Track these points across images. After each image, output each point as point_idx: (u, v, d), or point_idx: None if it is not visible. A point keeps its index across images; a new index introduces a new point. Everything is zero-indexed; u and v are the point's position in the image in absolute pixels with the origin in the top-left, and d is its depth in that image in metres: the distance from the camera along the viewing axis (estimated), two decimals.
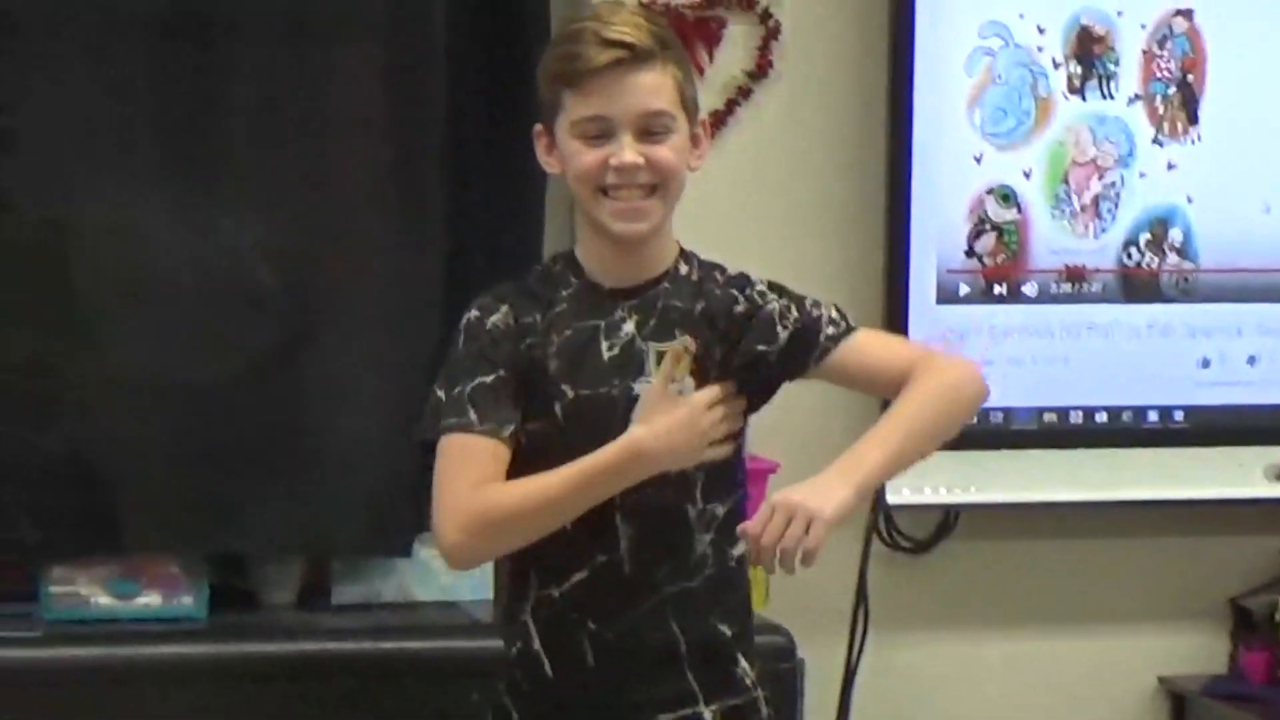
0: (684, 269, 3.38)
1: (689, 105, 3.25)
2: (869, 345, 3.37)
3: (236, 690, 4.25)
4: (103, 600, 4.48)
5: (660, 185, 3.15)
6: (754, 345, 3.29)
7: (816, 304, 3.37)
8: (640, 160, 3.12)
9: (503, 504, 3.18)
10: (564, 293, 3.34)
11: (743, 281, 3.40)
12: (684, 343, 3.16)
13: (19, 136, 4.68)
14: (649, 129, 3.15)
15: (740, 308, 3.34)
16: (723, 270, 3.44)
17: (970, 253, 4.78)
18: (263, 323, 4.75)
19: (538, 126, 3.32)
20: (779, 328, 3.32)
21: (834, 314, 3.34)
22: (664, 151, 3.13)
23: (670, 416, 3.09)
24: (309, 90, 4.81)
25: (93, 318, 4.70)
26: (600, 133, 3.16)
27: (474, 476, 3.18)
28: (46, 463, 4.55)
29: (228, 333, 4.68)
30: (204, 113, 4.76)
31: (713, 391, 3.15)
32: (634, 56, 3.14)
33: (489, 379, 3.24)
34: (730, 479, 3.32)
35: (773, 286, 3.35)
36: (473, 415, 3.22)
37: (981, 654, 5.03)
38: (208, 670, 4.32)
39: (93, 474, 4.60)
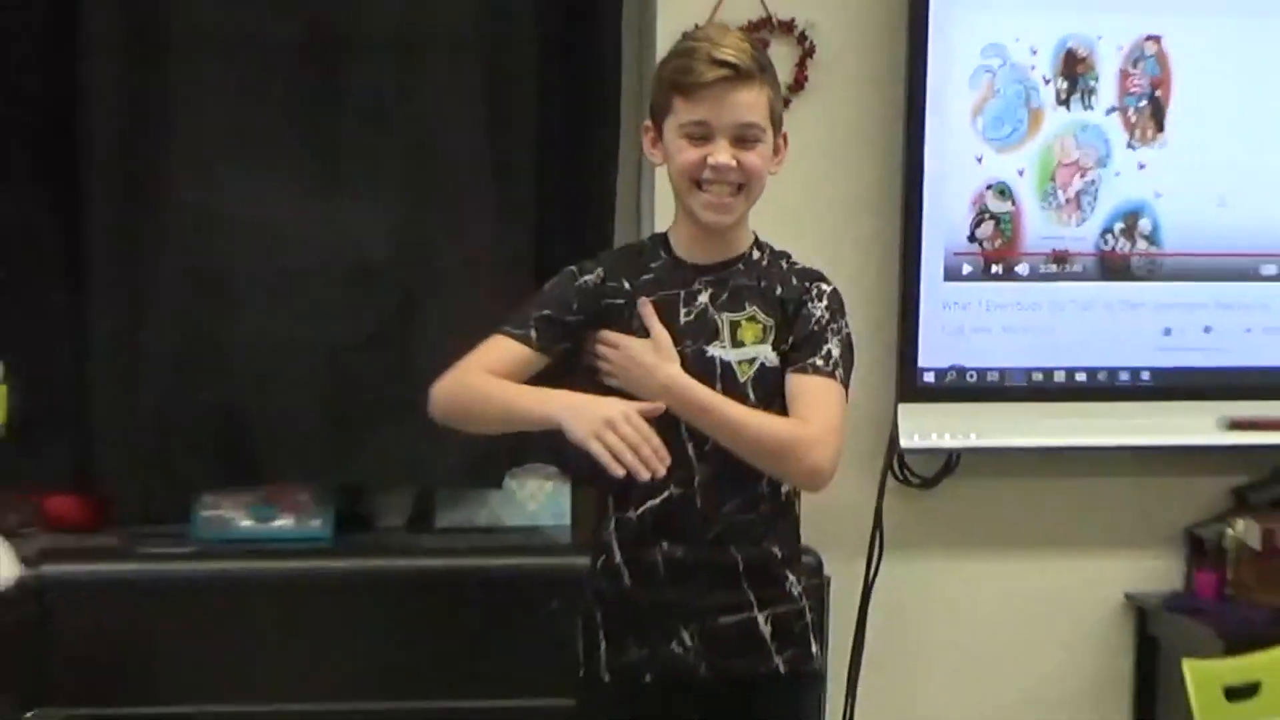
0: (756, 255, 3.72)
1: (776, 120, 3.62)
2: (811, 388, 3.65)
3: (356, 599, 4.78)
4: (244, 523, 4.97)
5: (746, 185, 3.54)
6: (790, 334, 3.64)
7: (835, 335, 3.70)
8: (733, 163, 3.49)
9: (476, 388, 3.61)
10: (653, 265, 3.70)
11: (815, 277, 3.74)
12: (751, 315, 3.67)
13: (183, 140, 5.05)
14: (743, 137, 3.53)
15: (805, 300, 3.68)
16: (788, 257, 3.77)
17: (972, 238, 5.14)
18: (380, 293, 5.19)
19: (646, 123, 3.71)
20: (808, 328, 3.65)
21: (831, 353, 3.66)
22: (753, 158, 3.52)
23: (581, 396, 3.56)
24: (421, 97, 5.20)
25: (240, 290, 5.06)
26: (702, 135, 3.52)
27: (486, 361, 3.61)
28: (199, 409, 4.98)
29: (351, 301, 5.13)
30: (331, 116, 5.13)
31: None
32: (737, 75, 3.51)
33: (552, 313, 3.63)
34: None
35: (832, 299, 3.69)
36: (524, 329, 3.61)
37: (978, 572, 5.39)
38: (332, 582, 4.81)
39: (238, 418, 5.01)
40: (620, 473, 3.34)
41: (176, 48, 5.16)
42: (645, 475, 3.35)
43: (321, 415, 5.16)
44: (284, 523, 5.05)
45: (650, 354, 3.55)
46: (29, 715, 3.97)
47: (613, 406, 3.44)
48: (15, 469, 4.33)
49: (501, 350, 3.64)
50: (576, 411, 3.45)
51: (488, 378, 3.61)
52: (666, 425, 3.46)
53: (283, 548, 4.99)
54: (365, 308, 5.20)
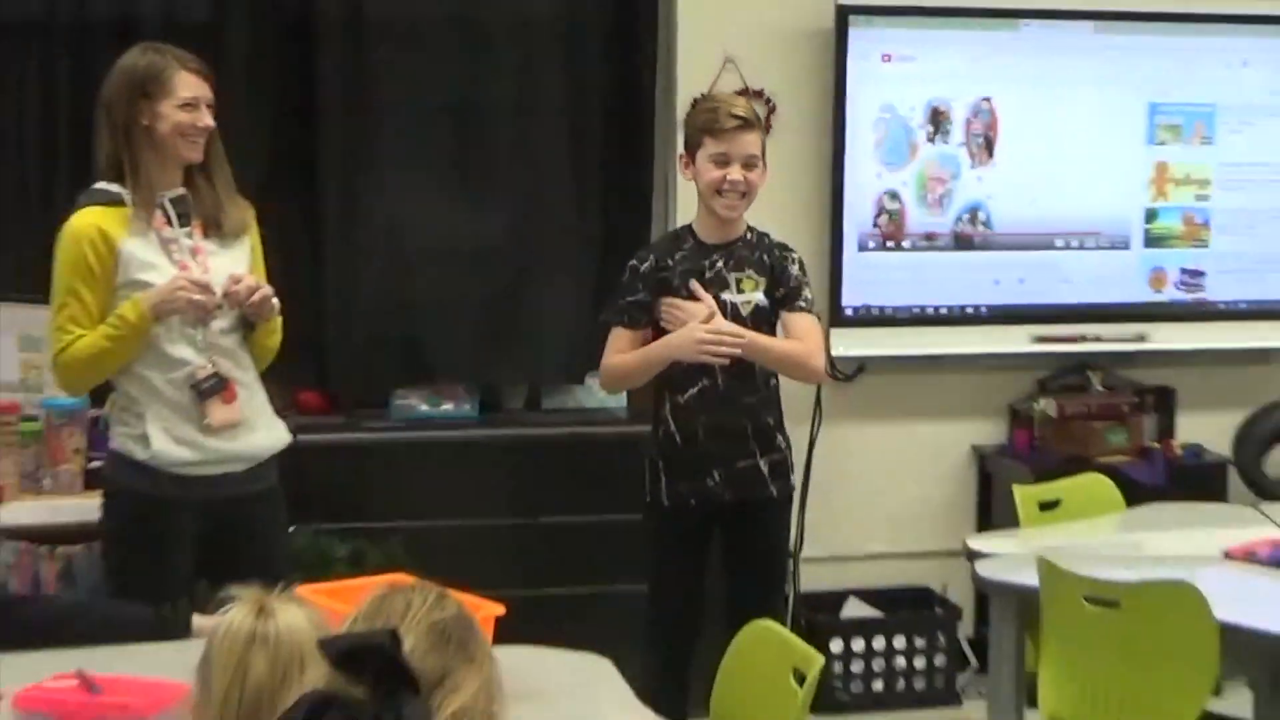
0: (749, 235, 4.74)
1: (763, 153, 4.63)
2: (802, 322, 4.73)
3: (495, 454, 5.87)
4: (422, 407, 5.99)
5: (748, 193, 4.59)
6: (778, 286, 4.70)
7: (807, 285, 4.77)
8: (741, 179, 4.55)
9: (616, 365, 4.74)
10: (685, 246, 4.71)
11: (787, 249, 4.78)
12: (752, 277, 4.63)
13: (378, 156, 5.92)
14: (748, 163, 4.55)
15: (785, 264, 4.72)
16: (768, 236, 4.79)
17: (875, 225, 6.23)
18: (505, 260, 6.07)
19: (682, 153, 4.76)
20: (790, 284, 4.72)
21: (808, 296, 4.77)
22: (754, 176, 4.58)
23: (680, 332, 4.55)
24: (530, 131, 6.04)
25: (418, 257, 5.97)
26: (723, 162, 4.53)
27: (612, 349, 4.74)
28: (394, 337, 5.98)
29: (487, 266, 6.05)
30: (463, 127, 6.00)
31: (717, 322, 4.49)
32: (746, 125, 4.57)
33: (634, 299, 4.68)
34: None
35: (800, 263, 4.78)
36: (621, 317, 4.71)
37: (879, 433, 6.45)
38: (479, 444, 5.92)
39: (418, 342, 6.00)
40: (724, 363, 4.46)
41: (379, 109, 5.89)
42: (724, 360, 4.46)
43: (471, 339, 6.06)
44: (447, 407, 6.02)
45: (695, 313, 4.50)
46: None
47: (691, 332, 4.47)
48: (278, 373, 4.49)
49: (618, 339, 4.72)
50: (679, 348, 4.54)
51: (623, 358, 4.71)
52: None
53: (447, 422, 6.02)
54: (497, 270, 6.06)
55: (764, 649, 3.56)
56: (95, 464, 4.84)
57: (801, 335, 4.73)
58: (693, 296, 4.59)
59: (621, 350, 4.71)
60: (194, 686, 2.33)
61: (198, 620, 3.56)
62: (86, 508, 4.60)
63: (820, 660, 3.34)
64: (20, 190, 5.54)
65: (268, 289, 4.15)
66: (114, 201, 4.02)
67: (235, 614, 2.29)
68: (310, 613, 2.34)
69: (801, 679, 3.30)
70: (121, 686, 3.13)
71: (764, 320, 4.67)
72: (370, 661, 1.97)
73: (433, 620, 2.15)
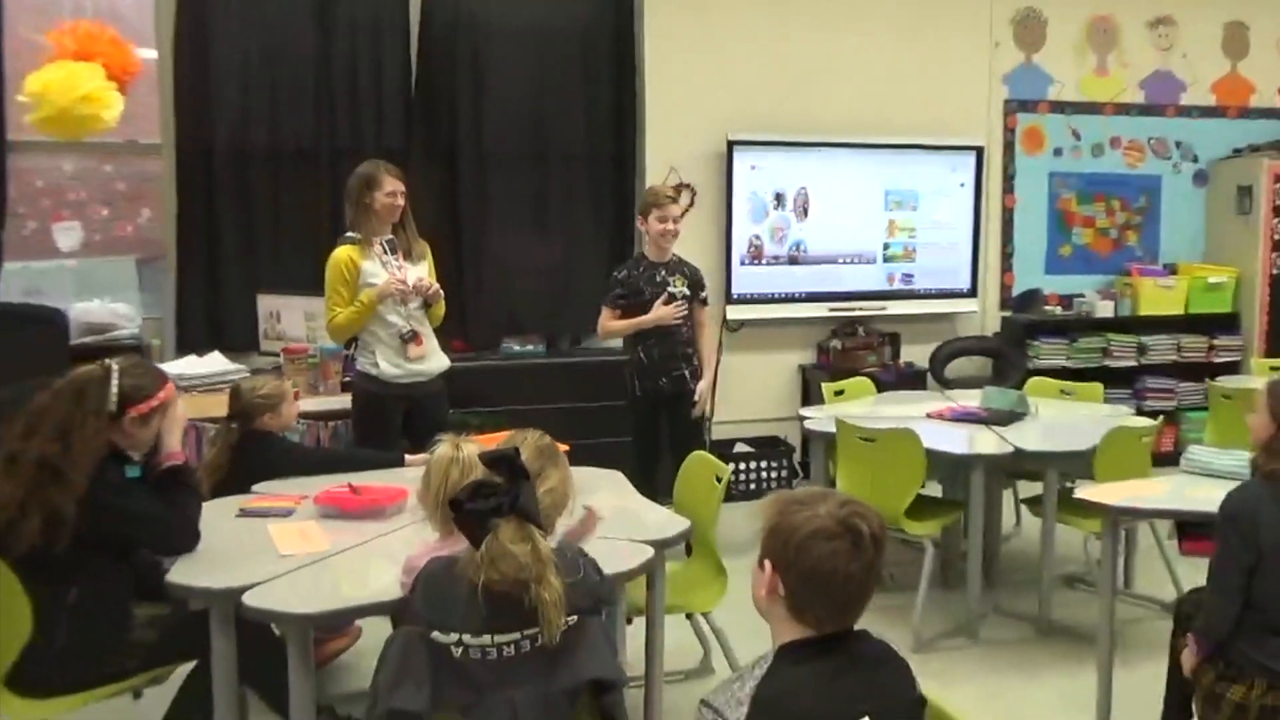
0: (675, 258, 4.60)
1: (683, 214, 4.71)
2: (703, 310, 4.66)
3: (554, 372, 5.56)
4: (515, 347, 5.71)
5: (676, 235, 4.52)
6: (695, 288, 4.59)
7: (705, 289, 4.66)
8: (672, 229, 4.50)
9: (611, 328, 4.58)
10: (643, 264, 4.57)
11: (694, 267, 4.65)
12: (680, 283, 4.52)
13: (474, 216, 5.72)
14: (676, 219, 4.51)
15: (696, 276, 4.61)
16: (683, 259, 4.63)
17: (747, 252, 5.96)
18: (556, 268, 5.86)
19: (639, 216, 4.61)
20: (699, 288, 4.62)
21: (704, 296, 4.65)
22: (679, 227, 4.53)
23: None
24: (570, 189, 5.87)
25: (506, 267, 5.78)
26: (662, 219, 4.47)
27: (603, 318, 4.56)
28: (498, 309, 5.75)
29: (545, 272, 5.86)
30: (535, 204, 5.85)
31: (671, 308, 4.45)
32: (673, 201, 4.55)
33: (615, 293, 4.53)
34: (688, 322, 4.55)
35: (701, 275, 4.65)
36: (609, 303, 4.54)
37: (749, 359, 6.07)
38: (546, 368, 5.62)
39: (511, 313, 5.81)
40: (679, 323, 4.41)
41: (490, 193, 5.73)
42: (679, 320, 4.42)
43: (541, 311, 5.88)
44: (529, 347, 5.77)
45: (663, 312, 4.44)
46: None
47: (662, 313, 4.44)
48: (443, 331, 4.27)
49: (607, 315, 4.55)
50: (658, 319, 4.45)
51: (615, 324, 4.55)
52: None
53: (528, 355, 5.74)
54: (553, 273, 5.88)
55: (699, 465, 3.52)
56: (346, 379, 4.76)
57: (703, 318, 4.68)
58: (656, 295, 4.52)
59: (608, 320, 4.57)
60: (419, 486, 2.39)
61: (409, 458, 3.56)
62: (342, 401, 4.49)
63: (729, 470, 3.36)
64: (313, 235, 5.37)
65: (438, 286, 4.12)
66: (355, 242, 4.01)
67: (441, 447, 2.35)
68: (479, 447, 2.33)
69: (718, 480, 3.29)
70: (372, 491, 3.14)
71: (687, 301, 4.57)
72: (504, 463, 1.98)
73: (535, 444, 2.20)
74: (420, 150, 5.63)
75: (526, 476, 2.04)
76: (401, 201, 4.03)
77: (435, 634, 1.99)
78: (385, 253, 4.04)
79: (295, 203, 5.52)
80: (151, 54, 5.21)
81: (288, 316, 5.22)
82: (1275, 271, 6.48)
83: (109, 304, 5.08)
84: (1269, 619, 2.55)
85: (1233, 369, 6.31)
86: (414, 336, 4.06)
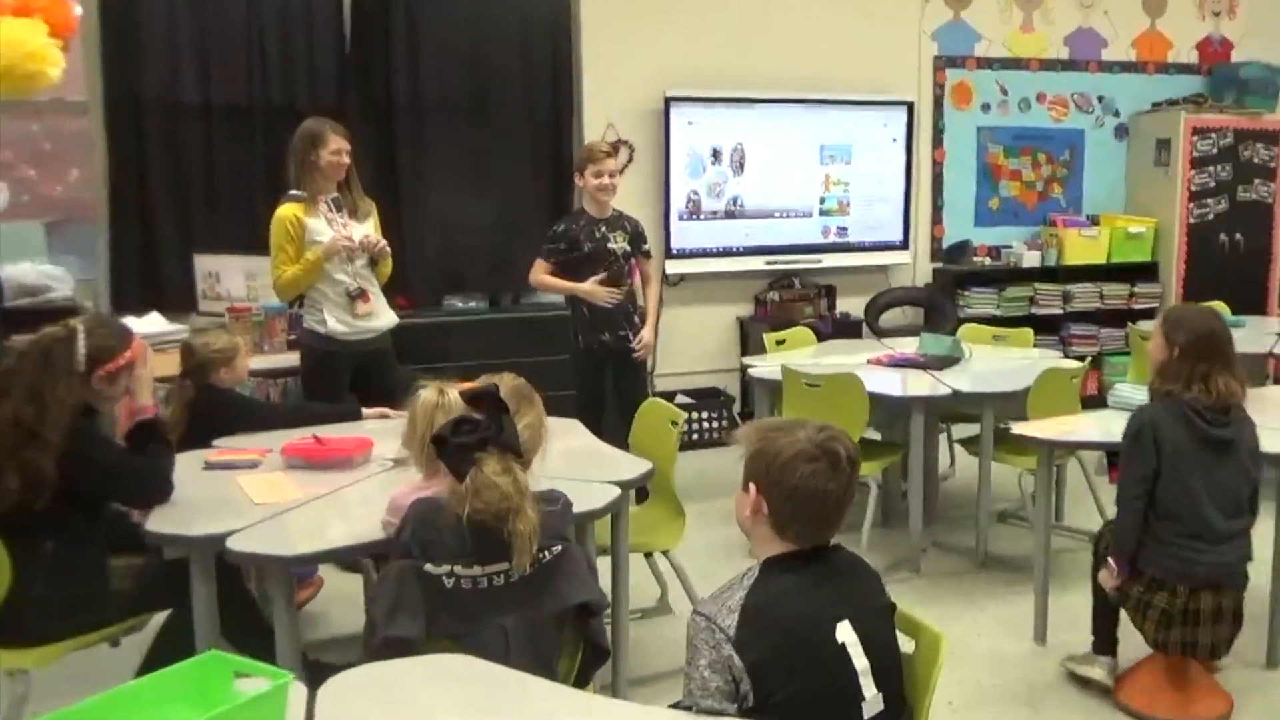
0: (615, 213, 4.56)
1: (620, 170, 4.58)
2: (652, 264, 4.72)
3: (497, 327, 5.56)
4: (458, 304, 5.77)
5: (614, 189, 4.49)
6: (636, 241, 4.59)
7: (647, 242, 4.66)
8: (609, 183, 4.46)
9: (543, 281, 4.54)
10: (582, 219, 4.53)
11: (635, 221, 4.63)
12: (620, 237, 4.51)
13: (418, 169, 5.66)
14: (613, 173, 4.47)
15: (637, 229, 4.61)
16: (625, 213, 4.62)
17: (686, 207, 6.07)
18: (497, 223, 5.88)
19: (576, 173, 4.56)
20: (641, 240, 4.61)
21: (646, 248, 4.65)
22: (615, 182, 4.48)
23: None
24: (509, 150, 5.86)
25: (446, 223, 5.77)
26: (598, 173, 4.41)
27: (536, 269, 4.52)
28: (439, 267, 5.78)
29: (486, 227, 5.86)
30: (474, 156, 5.82)
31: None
32: (613, 154, 4.53)
33: (551, 246, 4.50)
34: (630, 275, 4.56)
35: (642, 228, 4.65)
36: (543, 255, 4.50)
37: (688, 312, 6.24)
38: (488, 322, 5.62)
39: (452, 269, 5.82)
40: (612, 305, 4.42)
41: (430, 148, 5.70)
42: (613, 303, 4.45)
43: (483, 267, 5.89)
44: (472, 304, 5.83)
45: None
46: None
47: (595, 291, 4.42)
48: (387, 288, 4.29)
49: (539, 266, 4.53)
50: (590, 294, 4.46)
51: (545, 277, 4.53)
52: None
53: (471, 311, 5.79)
54: (494, 228, 5.87)
55: (656, 410, 3.62)
56: (292, 337, 4.78)
57: (651, 270, 4.70)
58: (596, 249, 4.51)
59: (539, 272, 4.57)
60: (405, 430, 2.46)
61: (366, 412, 3.68)
62: (289, 359, 4.53)
63: (683, 415, 3.48)
64: (248, 195, 5.39)
65: (385, 243, 4.15)
66: (300, 200, 4.01)
67: (426, 392, 2.41)
68: (460, 392, 2.37)
69: (674, 425, 3.41)
70: (339, 442, 3.22)
71: (627, 257, 4.59)
72: (485, 399, 2.08)
73: (511, 385, 2.29)
74: (356, 106, 5.59)
75: (507, 411, 2.15)
76: (347, 160, 4.04)
77: (427, 566, 2.09)
78: (331, 210, 4.05)
79: (229, 160, 5.48)
80: (76, 8, 5.08)
81: (227, 276, 5.20)
82: (1192, 221, 6.79)
83: (39, 266, 5.00)
84: (1181, 526, 2.84)
85: (1152, 315, 6.37)
86: (361, 294, 4.08)
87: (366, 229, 4.14)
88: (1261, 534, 3.14)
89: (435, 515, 2.13)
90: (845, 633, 1.74)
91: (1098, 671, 3.14)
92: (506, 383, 2.36)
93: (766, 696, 1.67)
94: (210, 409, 3.43)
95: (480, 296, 5.96)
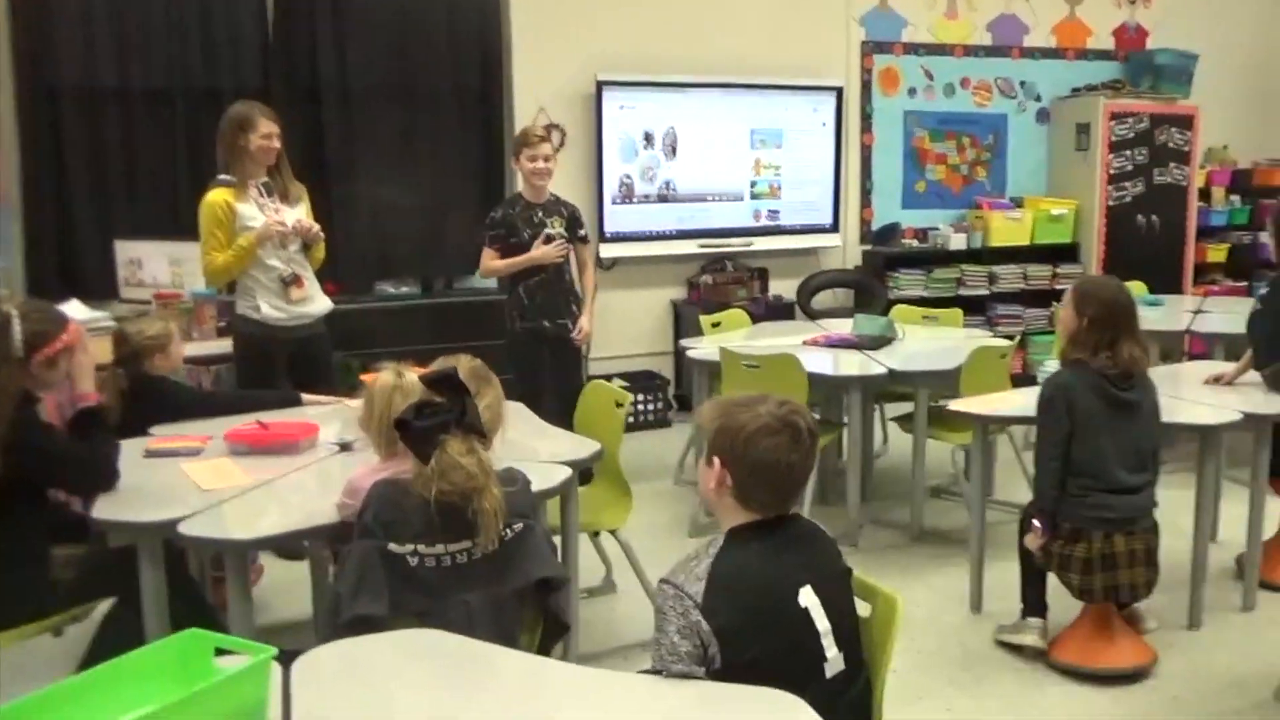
0: (552, 198, 4.57)
1: (554, 154, 4.54)
2: (585, 248, 4.67)
3: (430, 313, 5.57)
4: (390, 289, 5.80)
5: (549, 173, 4.51)
6: (573, 226, 4.59)
7: (585, 227, 4.68)
8: (544, 167, 4.48)
9: (493, 266, 4.52)
10: (519, 204, 4.55)
11: (572, 205, 4.64)
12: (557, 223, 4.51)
13: (347, 155, 5.74)
14: (547, 156, 4.48)
15: (574, 214, 4.62)
16: (560, 199, 4.61)
17: (619, 191, 6.13)
18: (431, 208, 5.91)
19: (513, 157, 4.56)
20: (578, 225, 4.62)
21: (583, 233, 4.64)
22: (550, 166, 4.48)
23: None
24: (442, 133, 5.91)
25: (377, 208, 5.83)
26: (532, 157, 4.44)
27: (485, 257, 4.53)
28: (375, 252, 5.85)
29: (420, 212, 5.91)
30: (405, 141, 5.89)
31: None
32: (547, 138, 4.54)
33: (494, 232, 4.50)
34: (568, 262, 4.57)
35: (580, 213, 4.66)
36: (487, 242, 4.50)
37: (623, 295, 6.29)
38: (421, 308, 5.64)
39: (385, 255, 5.84)
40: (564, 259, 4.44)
41: (358, 132, 5.74)
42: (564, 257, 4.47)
43: (415, 252, 5.95)
44: (404, 289, 5.91)
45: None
46: None
47: (538, 251, 4.43)
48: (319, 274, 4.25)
49: (487, 254, 4.52)
50: (540, 257, 4.46)
51: (496, 262, 4.51)
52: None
53: (404, 296, 5.87)
54: (428, 213, 5.93)
55: (600, 392, 3.67)
56: (222, 324, 4.76)
57: (587, 256, 4.71)
58: (534, 235, 4.54)
59: (488, 259, 4.58)
60: (362, 411, 2.49)
61: (306, 397, 3.66)
62: (221, 346, 4.51)
63: (629, 397, 3.54)
64: (170, 179, 5.40)
65: (318, 227, 4.14)
66: (229, 185, 3.97)
67: (384, 375, 2.45)
68: (417, 375, 2.41)
69: (619, 406, 3.48)
70: (281, 426, 3.21)
71: (565, 241, 4.60)
72: (446, 382, 2.12)
73: (469, 367, 2.33)
74: (281, 89, 5.57)
75: (469, 393, 2.19)
76: (276, 144, 4.02)
77: (391, 546, 2.13)
78: (262, 195, 4.02)
79: (149, 145, 5.44)
80: None
81: (150, 262, 5.14)
82: (1111, 203, 7.03)
83: None
84: (1092, 482, 3.09)
85: None
86: (295, 279, 4.07)
87: (299, 214, 4.12)
88: (1181, 503, 3.33)
89: (399, 495, 2.15)
90: (807, 597, 1.82)
91: (1030, 637, 3.30)
92: (464, 364, 2.39)
93: (734, 658, 1.74)
94: (145, 398, 3.38)
95: (412, 281, 5.96)
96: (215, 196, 3.95)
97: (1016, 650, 3.34)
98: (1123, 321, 3.14)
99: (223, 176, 4.01)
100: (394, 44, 5.80)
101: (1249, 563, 3.67)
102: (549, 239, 4.54)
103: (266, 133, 3.97)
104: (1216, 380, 3.81)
